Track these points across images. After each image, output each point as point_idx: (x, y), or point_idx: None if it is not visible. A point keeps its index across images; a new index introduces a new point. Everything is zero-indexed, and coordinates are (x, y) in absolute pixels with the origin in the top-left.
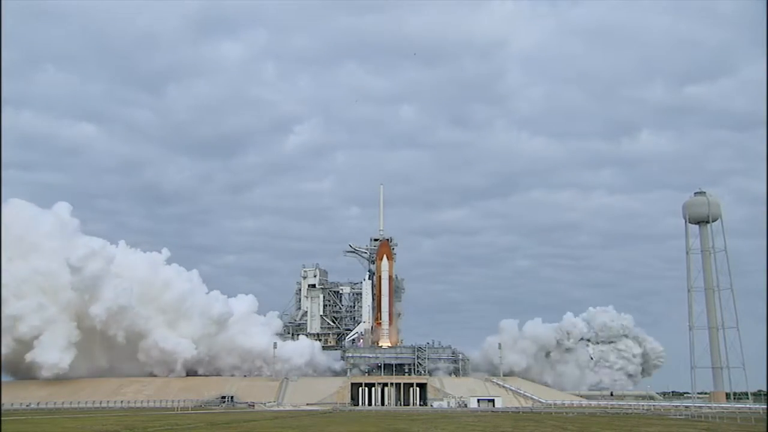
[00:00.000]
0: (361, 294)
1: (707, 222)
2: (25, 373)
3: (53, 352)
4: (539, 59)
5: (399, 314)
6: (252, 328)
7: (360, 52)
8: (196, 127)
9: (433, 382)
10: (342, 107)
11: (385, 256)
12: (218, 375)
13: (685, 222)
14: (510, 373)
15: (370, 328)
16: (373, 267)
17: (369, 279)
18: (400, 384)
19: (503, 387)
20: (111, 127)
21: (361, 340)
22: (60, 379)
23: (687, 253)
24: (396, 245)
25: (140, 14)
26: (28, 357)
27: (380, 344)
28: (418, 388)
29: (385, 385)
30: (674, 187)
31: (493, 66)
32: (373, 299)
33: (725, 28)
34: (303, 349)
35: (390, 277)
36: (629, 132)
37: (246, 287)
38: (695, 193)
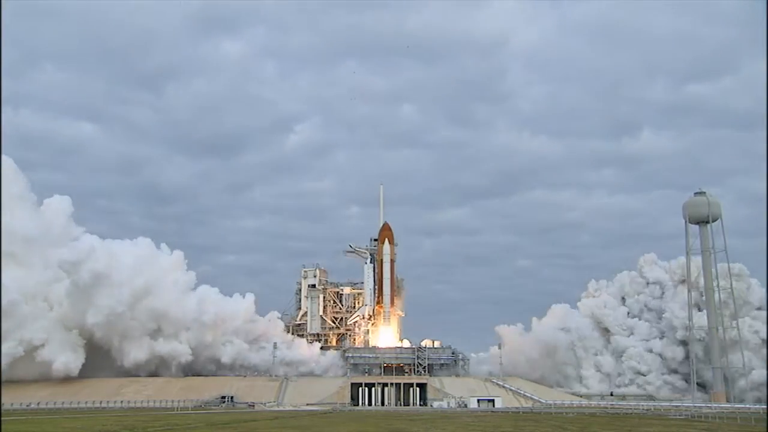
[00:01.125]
0: (362, 294)
1: (707, 222)
2: (27, 375)
3: (63, 354)
4: (540, 58)
5: (399, 314)
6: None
7: (360, 51)
8: (195, 126)
9: (432, 382)
10: (342, 106)
11: (386, 240)
12: (218, 375)
13: (685, 222)
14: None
15: (372, 310)
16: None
17: (371, 262)
18: (400, 384)
19: (503, 387)
20: (110, 126)
21: (364, 319)
22: (60, 379)
23: (687, 253)
24: (396, 245)
25: (139, 12)
26: (38, 357)
27: (382, 325)
28: (418, 388)
29: (385, 385)
30: (675, 187)
31: (494, 64)
32: (374, 282)
33: (727, 25)
34: (303, 351)
35: (392, 260)
36: (630, 131)
37: (246, 287)
38: (695, 193)
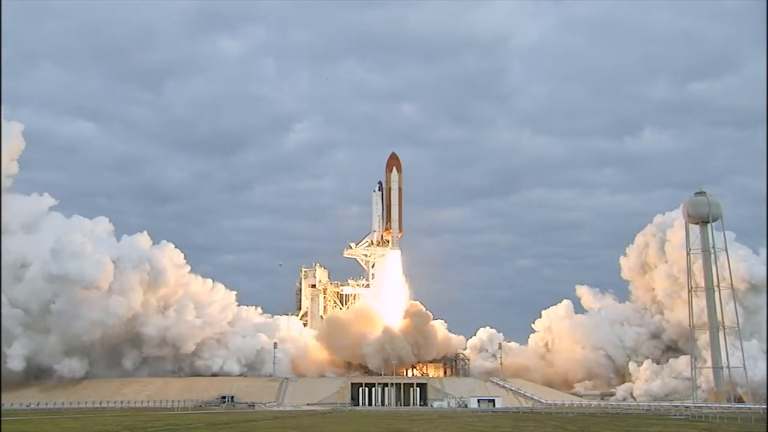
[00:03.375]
0: (362, 295)
1: (707, 222)
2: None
3: (68, 360)
4: (541, 55)
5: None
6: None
7: (360, 49)
8: (195, 125)
9: (433, 382)
10: (342, 105)
11: (394, 168)
12: (218, 375)
13: (686, 222)
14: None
15: (380, 236)
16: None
17: (379, 191)
18: (400, 384)
19: (504, 387)
20: (109, 125)
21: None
22: (60, 379)
23: (687, 253)
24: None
25: (138, 10)
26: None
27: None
28: (418, 388)
29: (385, 385)
30: (677, 186)
31: (495, 62)
32: (382, 209)
33: (730, 23)
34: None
35: (399, 188)
36: (632, 130)
37: (245, 287)
38: (695, 193)
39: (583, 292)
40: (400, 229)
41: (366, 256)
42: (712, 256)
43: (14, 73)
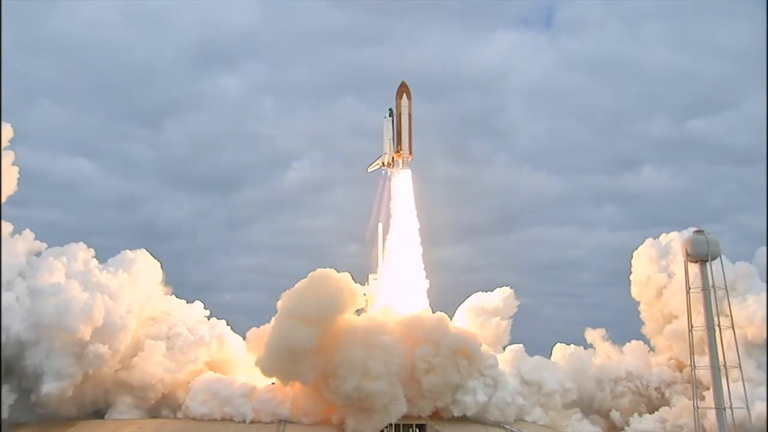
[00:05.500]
0: None
1: (706, 260)
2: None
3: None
4: (540, 93)
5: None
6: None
7: (358, 86)
8: (193, 163)
9: (432, 426)
10: (341, 143)
11: (404, 95)
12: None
13: (684, 261)
14: None
15: (391, 159)
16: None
17: (390, 116)
18: (399, 425)
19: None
20: (107, 163)
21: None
22: (55, 421)
23: (687, 291)
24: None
25: (137, 47)
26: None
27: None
28: (417, 429)
29: (384, 428)
30: (676, 224)
31: (494, 100)
32: (393, 134)
33: (728, 61)
34: None
35: (409, 114)
36: (631, 167)
37: (243, 326)
38: (694, 232)
39: (594, 336)
40: (410, 152)
41: (364, 295)
42: (712, 295)
43: (13, 111)
